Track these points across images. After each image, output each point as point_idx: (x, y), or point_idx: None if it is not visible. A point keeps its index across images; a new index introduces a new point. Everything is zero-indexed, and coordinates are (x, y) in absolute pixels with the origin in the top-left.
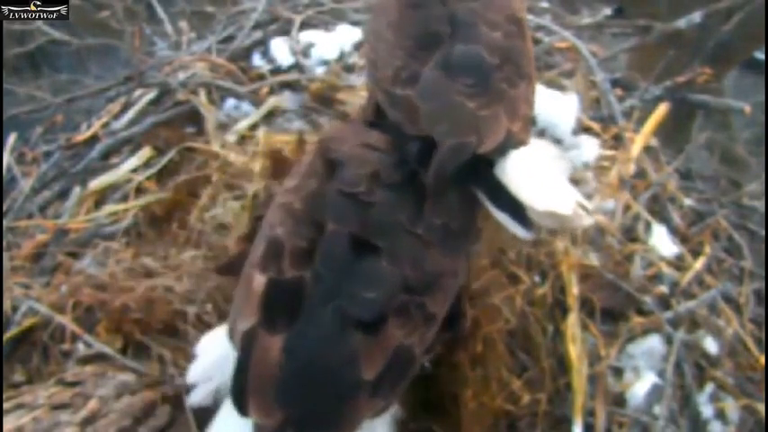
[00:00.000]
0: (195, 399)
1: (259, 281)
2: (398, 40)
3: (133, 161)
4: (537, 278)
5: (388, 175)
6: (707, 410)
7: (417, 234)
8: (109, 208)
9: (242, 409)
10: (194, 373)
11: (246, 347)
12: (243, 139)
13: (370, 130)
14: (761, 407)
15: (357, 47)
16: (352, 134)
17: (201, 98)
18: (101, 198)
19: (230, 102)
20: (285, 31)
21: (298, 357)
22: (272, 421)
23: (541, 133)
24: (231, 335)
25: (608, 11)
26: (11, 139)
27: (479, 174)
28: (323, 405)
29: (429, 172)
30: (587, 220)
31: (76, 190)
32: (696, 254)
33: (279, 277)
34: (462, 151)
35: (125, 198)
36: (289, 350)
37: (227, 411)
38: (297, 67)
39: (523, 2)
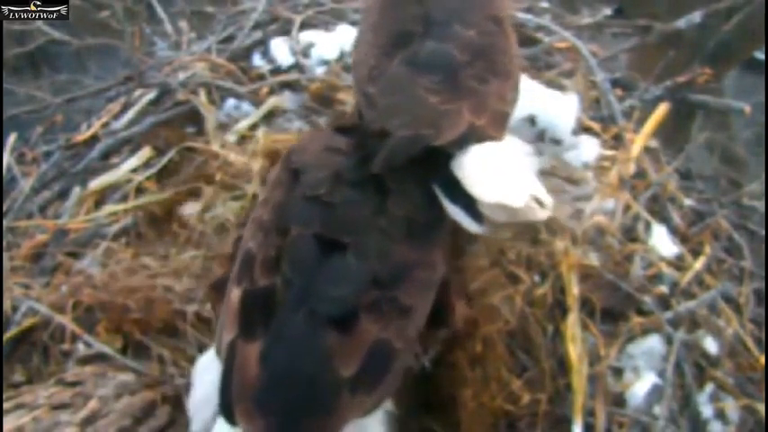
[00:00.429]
0: (197, 426)
1: (235, 294)
2: (375, 39)
3: (133, 161)
4: (537, 278)
5: (349, 174)
6: (707, 410)
7: (382, 228)
8: (109, 208)
9: (229, 418)
10: (192, 402)
11: (229, 359)
12: (243, 139)
13: (334, 135)
14: (761, 407)
15: None
16: (315, 141)
17: (201, 98)
18: (101, 198)
19: (230, 102)
20: (285, 31)
21: (274, 362)
22: (254, 428)
23: (541, 133)
24: (218, 352)
25: (608, 11)
26: (11, 139)
27: (436, 167)
28: (304, 407)
29: (375, 160)
30: (541, 214)
31: (76, 190)
32: (696, 254)
33: (252, 287)
34: (415, 143)
35: (125, 198)
36: (264, 356)
37: (220, 427)
38: (297, 67)
39: (508, 1)
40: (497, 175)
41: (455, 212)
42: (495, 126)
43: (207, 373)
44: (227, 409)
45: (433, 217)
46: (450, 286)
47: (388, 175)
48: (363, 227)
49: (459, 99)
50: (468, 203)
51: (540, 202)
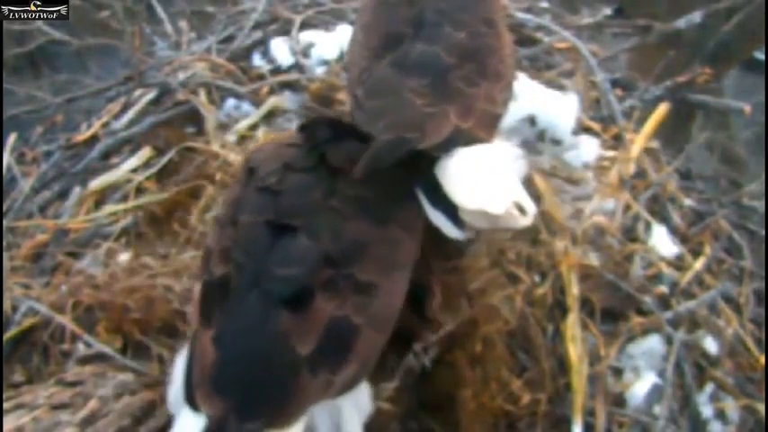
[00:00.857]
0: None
1: (197, 288)
2: (367, 41)
3: (133, 161)
4: (537, 278)
5: (299, 163)
6: (707, 410)
7: (333, 208)
8: (109, 208)
9: (191, 403)
10: (171, 396)
11: (191, 349)
12: (243, 139)
13: (290, 136)
14: (761, 407)
15: None
16: (273, 142)
17: (201, 98)
18: (101, 198)
19: (230, 102)
20: (285, 31)
21: (228, 344)
22: (213, 410)
23: (541, 133)
24: None
25: (608, 11)
26: (11, 139)
27: (419, 170)
28: (262, 387)
29: (360, 163)
30: (523, 221)
31: (76, 190)
32: (696, 254)
33: (209, 279)
34: (399, 146)
35: (125, 198)
36: (218, 338)
37: (185, 413)
38: (297, 67)
39: (501, 3)
40: (480, 180)
41: (436, 217)
42: (484, 128)
43: (180, 367)
44: (189, 395)
45: (388, 195)
46: (430, 270)
47: (336, 157)
48: (314, 209)
49: (445, 101)
50: (449, 209)
51: (521, 209)
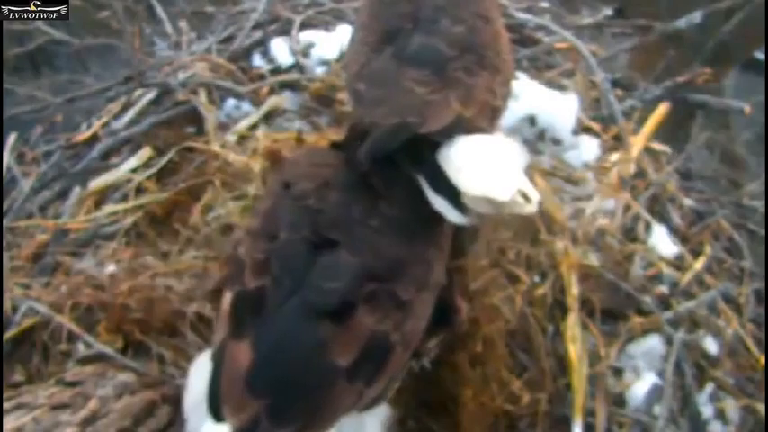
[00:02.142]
0: (192, 427)
1: (227, 297)
2: (365, 37)
3: (133, 161)
4: (537, 278)
5: (337, 180)
6: (707, 410)
7: (373, 227)
8: (109, 208)
9: (216, 414)
10: (187, 403)
11: (218, 359)
12: (243, 139)
13: (327, 151)
14: (761, 407)
15: None
16: (308, 156)
17: (201, 98)
18: (101, 198)
19: (230, 102)
20: (285, 31)
21: (265, 351)
22: (245, 414)
23: (541, 133)
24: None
25: (608, 11)
26: (11, 139)
27: (421, 157)
28: (298, 393)
29: (361, 149)
30: (528, 208)
31: (76, 190)
32: (696, 254)
33: (242, 289)
34: (401, 131)
35: (125, 198)
36: (256, 344)
37: (208, 424)
38: (297, 67)
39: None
40: (484, 167)
41: (439, 203)
42: (484, 118)
43: (200, 374)
44: (215, 406)
45: (425, 217)
46: (454, 288)
47: (377, 179)
48: (354, 226)
49: (446, 89)
50: (453, 195)
51: (526, 197)
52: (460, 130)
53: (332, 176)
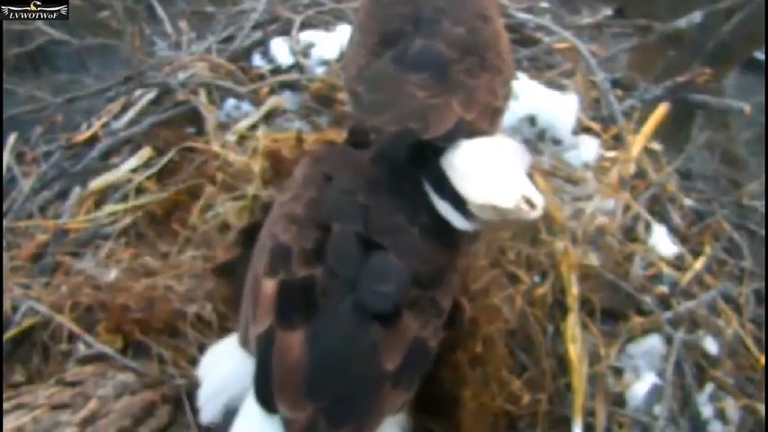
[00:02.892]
0: (207, 417)
1: (269, 285)
2: (364, 39)
3: (133, 161)
4: (537, 278)
5: (381, 183)
6: (707, 410)
7: (416, 234)
8: (109, 208)
9: (270, 407)
10: (203, 394)
11: (265, 349)
12: (243, 139)
13: (352, 151)
14: (761, 407)
15: None
16: (334, 154)
17: (201, 98)
18: (101, 198)
19: (230, 102)
20: (285, 31)
21: (321, 350)
22: (302, 414)
23: (541, 133)
24: (244, 343)
25: (608, 11)
26: (11, 139)
27: (426, 161)
28: (350, 395)
29: (369, 157)
30: (533, 215)
31: (76, 190)
32: (696, 254)
33: (290, 278)
34: (405, 137)
35: (125, 198)
36: (311, 344)
37: (249, 414)
38: (297, 67)
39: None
40: (487, 173)
41: (444, 208)
42: (487, 120)
43: (219, 365)
44: (264, 395)
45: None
46: (457, 287)
47: (416, 189)
48: (400, 231)
49: (448, 93)
50: (457, 201)
51: (530, 203)
52: (463, 134)
53: (372, 177)
